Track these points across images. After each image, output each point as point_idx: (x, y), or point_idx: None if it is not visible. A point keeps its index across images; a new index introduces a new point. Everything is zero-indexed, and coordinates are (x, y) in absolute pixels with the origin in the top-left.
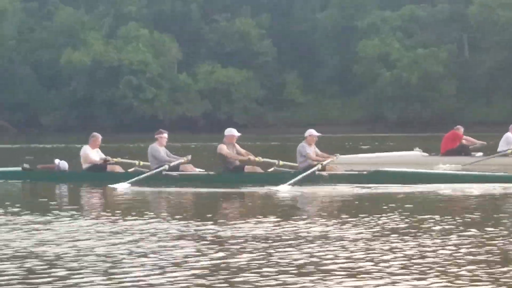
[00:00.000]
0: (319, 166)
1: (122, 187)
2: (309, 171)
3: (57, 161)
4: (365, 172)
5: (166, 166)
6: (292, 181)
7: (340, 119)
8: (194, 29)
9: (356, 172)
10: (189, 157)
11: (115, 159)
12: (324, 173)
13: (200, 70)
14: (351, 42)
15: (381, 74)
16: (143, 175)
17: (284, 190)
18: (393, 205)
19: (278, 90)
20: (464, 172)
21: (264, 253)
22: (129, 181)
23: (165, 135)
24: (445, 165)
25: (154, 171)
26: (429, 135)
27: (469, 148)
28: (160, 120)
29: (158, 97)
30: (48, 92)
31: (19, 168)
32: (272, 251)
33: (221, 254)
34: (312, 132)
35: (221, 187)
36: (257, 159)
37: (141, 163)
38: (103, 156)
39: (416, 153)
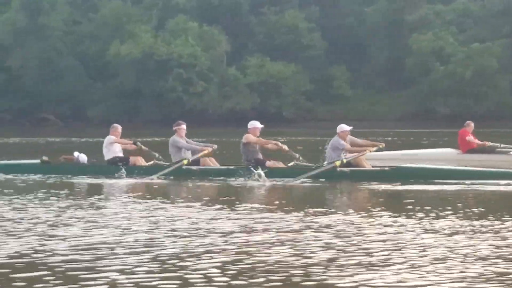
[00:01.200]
0: (337, 163)
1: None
2: (326, 167)
3: (76, 153)
4: (387, 168)
5: (185, 161)
6: (307, 175)
7: (388, 114)
8: (243, 22)
9: (378, 168)
10: (215, 146)
11: (142, 146)
12: (345, 169)
13: (249, 63)
14: (400, 36)
15: (434, 68)
16: (165, 170)
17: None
18: (413, 201)
19: (327, 84)
20: (486, 169)
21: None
22: (153, 176)
23: (184, 126)
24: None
25: (174, 166)
26: (482, 130)
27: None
28: (209, 114)
29: (207, 90)
30: (95, 84)
31: (38, 161)
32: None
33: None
34: (343, 127)
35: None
36: (284, 146)
37: (160, 157)
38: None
39: (450, 150)
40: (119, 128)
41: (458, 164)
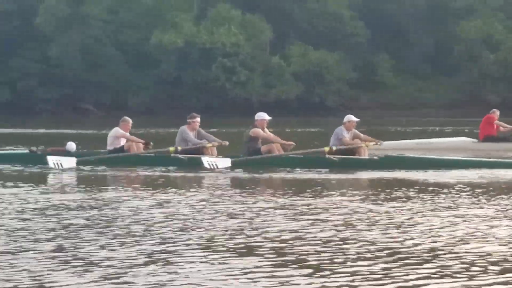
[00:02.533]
0: (326, 149)
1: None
2: (314, 149)
3: (67, 143)
4: (375, 158)
5: (172, 149)
6: (285, 153)
7: (435, 101)
8: (285, 10)
9: (366, 158)
10: (226, 143)
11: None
12: (333, 157)
13: (293, 52)
14: (445, 23)
15: (483, 55)
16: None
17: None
18: (401, 190)
19: (370, 72)
20: (477, 159)
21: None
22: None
23: (198, 119)
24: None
25: (158, 150)
26: None
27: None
28: (253, 103)
29: (251, 79)
30: (135, 73)
31: (26, 151)
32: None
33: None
34: (350, 117)
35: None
36: (288, 143)
37: (178, 148)
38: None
39: (465, 139)
40: (130, 122)
41: (473, 153)
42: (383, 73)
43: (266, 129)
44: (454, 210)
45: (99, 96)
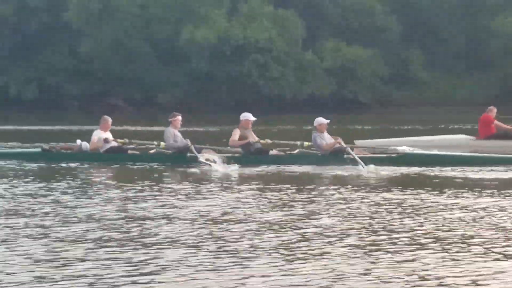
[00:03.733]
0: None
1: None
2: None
3: (78, 141)
4: (394, 155)
5: (163, 144)
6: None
7: (469, 98)
8: (317, 5)
9: (385, 155)
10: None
11: (133, 141)
12: (351, 156)
13: (325, 47)
14: (479, 18)
15: None
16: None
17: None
18: (419, 187)
19: (402, 67)
20: (470, 154)
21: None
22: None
23: (179, 117)
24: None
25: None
26: None
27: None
28: (287, 100)
29: (284, 76)
30: (165, 69)
31: (39, 149)
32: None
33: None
34: (320, 120)
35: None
36: (263, 141)
37: (161, 143)
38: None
39: (462, 136)
40: (109, 120)
41: (471, 150)
42: (416, 68)
43: (251, 131)
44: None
45: (129, 92)
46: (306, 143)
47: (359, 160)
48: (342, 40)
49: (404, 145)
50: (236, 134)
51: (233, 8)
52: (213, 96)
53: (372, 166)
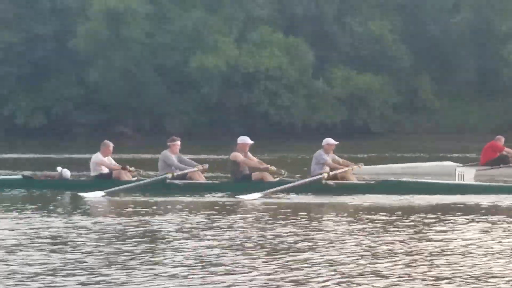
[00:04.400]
0: (325, 175)
1: (95, 195)
2: (315, 178)
3: (59, 168)
4: (372, 182)
5: (169, 175)
6: (292, 185)
7: (480, 126)
8: (327, 33)
9: (364, 182)
10: (206, 166)
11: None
12: (330, 182)
13: (335, 75)
14: (490, 46)
15: None
16: (143, 182)
17: (253, 198)
18: (399, 214)
19: (413, 95)
20: (474, 183)
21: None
22: (110, 190)
23: (178, 142)
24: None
25: (154, 178)
26: None
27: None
28: (297, 128)
29: (295, 103)
30: (174, 97)
31: (20, 176)
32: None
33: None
34: (329, 140)
35: (225, 196)
36: (271, 168)
37: (142, 172)
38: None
39: (449, 163)
40: (110, 146)
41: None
42: (427, 97)
43: (248, 153)
44: (452, 235)
45: (137, 120)
46: (286, 174)
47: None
48: (352, 68)
49: (391, 172)
50: (239, 155)
51: (240, 36)
52: (222, 123)
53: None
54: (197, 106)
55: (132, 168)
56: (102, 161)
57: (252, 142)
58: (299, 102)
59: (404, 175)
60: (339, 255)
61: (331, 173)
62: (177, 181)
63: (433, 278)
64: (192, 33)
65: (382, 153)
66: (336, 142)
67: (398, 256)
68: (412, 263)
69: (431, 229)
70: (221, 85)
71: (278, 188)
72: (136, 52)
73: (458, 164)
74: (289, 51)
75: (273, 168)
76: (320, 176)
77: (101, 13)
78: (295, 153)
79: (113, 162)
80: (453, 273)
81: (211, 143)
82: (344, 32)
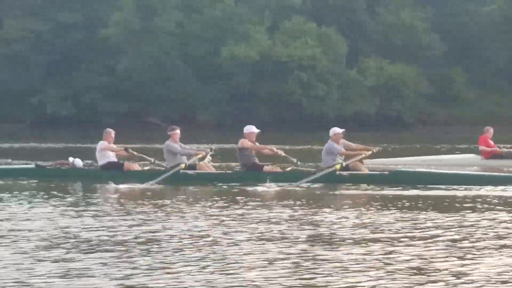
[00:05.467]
0: (338, 167)
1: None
2: (326, 171)
3: (71, 158)
4: (386, 173)
5: (183, 165)
6: (308, 179)
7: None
8: (359, 22)
9: (377, 173)
10: (208, 151)
11: (134, 152)
12: (344, 173)
13: (369, 65)
14: None
15: None
16: (162, 176)
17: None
18: (411, 205)
19: (445, 86)
20: (487, 173)
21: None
22: (149, 182)
23: (178, 131)
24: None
25: (171, 171)
26: None
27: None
28: (330, 118)
29: (328, 94)
30: (204, 87)
31: (33, 165)
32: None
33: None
34: (336, 130)
35: (240, 185)
36: (279, 152)
37: (156, 161)
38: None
39: (472, 156)
40: (112, 133)
41: (479, 170)
42: (459, 87)
43: (256, 142)
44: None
45: (167, 110)
46: (300, 162)
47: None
48: (384, 58)
49: (411, 164)
50: (246, 141)
51: (273, 25)
52: (253, 114)
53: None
54: (228, 96)
55: (130, 150)
56: (108, 146)
57: (258, 130)
58: (333, 93)
59: (426, 167)
60: (354, 244)
61: (344, 163)
62: (190, 172)
63: (452, 267)
64: (223, 23)
65: (414, 144)
66: (342, 130)
67: (414, 246)
68: (430, 252)
69: (446, 218)
70: (252, 75)
71: (294, 184)
72: (167, 42)
73: (482, 157)
74: (322, 40)
75: (282, 152)
76: (333, 169)
77: (132, 2)
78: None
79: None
80: (472, 258)
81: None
82: (375, 21)
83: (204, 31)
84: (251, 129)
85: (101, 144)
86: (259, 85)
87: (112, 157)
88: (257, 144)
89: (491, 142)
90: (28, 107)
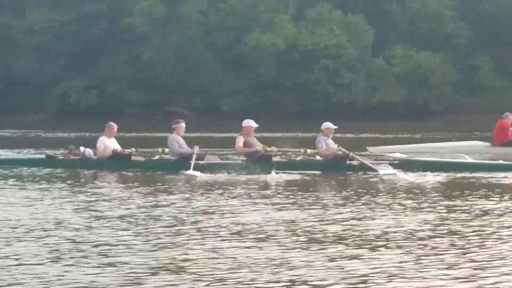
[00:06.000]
0: (350, 155)
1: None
2: (339, 155)
3: (82, 148)
4: (396, 162)
5: (195, 155)
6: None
7: None
8: (385, 10)
9: (387, 162)
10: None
11: (139, 150)
12: (354, 162)
13: (395, 53)
14: None
15: None
16: (191, 167)
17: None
18: (418, 193)
19: (471, 74)
20: (490, 162)
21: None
22: (188, 172)
23: (183, 124)
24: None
25: (193, 158)
26: None
27: None
28: (357, 107)
29: (355, 82)
30: (228, 76)
31: (43, 156)
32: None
33: None
34: (328, 124)
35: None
36: (270, 149)
37: (165, 150)
38: (119, 147)
39: (477, 143)
40: (115, 127)
41: (486, 157)
42: (485, 75)
43: (253, 137)
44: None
45: (191, 100)
46: (309, 150)
47: (369, 164)
48: (410, 46)
49: (413, 151)
50: (240, 141)
51: (298, 13)
52: (279, 103)
53: (274, 174)
54: (253, 85)
55: (133, 149)
56: (105, 145)
57: (256, 125)
58: (359, 81)
59: (431, 155)
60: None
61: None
62: (201, 162)
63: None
64: (248, 11)
65: (440, 133)
66: (335, 127)
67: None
68: (438, 239)
69: (452, 206)
70: (278, 64)
71: (299, 172)
72: (191, 31)
73: (486, 144)
74: (348, 29)
75: (274, 148)
76: (347, 153)
77: None
78: (354, 133)
79: (117, 144)
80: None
81: (266, 122)
82: (402, 9)
83: (228, 19)
84: (250, 123)
85: (101, 141)
86: (285, 74)
87: (115, 146)
88: (254, 139)
89: (511, 129)
90: (52, 98)
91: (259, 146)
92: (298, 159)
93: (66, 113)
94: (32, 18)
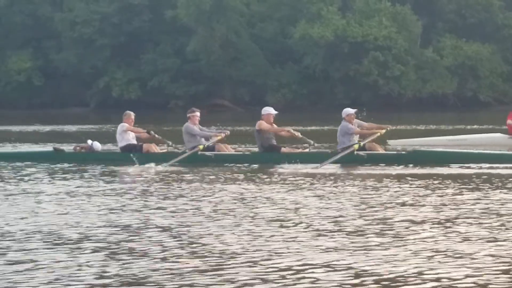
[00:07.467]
0: (355, 147)
1: (158, 168)
2: (346, 151)
3: (89, 141)
4: (403, 152)
5: (201, 147)
6: (330, 160)
7: None
8: (433, 1)
9: (395, 152)
10: (227, 132)
11: (155, 135)
12: (362, 153)
13: (444, 44)
14: None
15: None
16: (180, 157)
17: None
18: (430, 184)
19: None
20: (505, 152)
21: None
22: (169, 163)
23: (197, 113)
24: None
25: (189, 152)
26: None
27: None
28: (407, 99)
29: (405, 74)
30: (274, 68)
31: (51, 149)
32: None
33: None
34: (348, 110)
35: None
36: (296, 133)
37: (173, 144)
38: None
39: (499, 135)
40: (132, 115)
41: (507, 149)
42: None
43: (273, 124)
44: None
45: (236, 92)
46: (316, 145)
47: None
48: (457, 36)
49: (435, 143)
50: (263, 123)
51: (344, 4)
52: (326, 95)
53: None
54: (299, 77)
55: (152, 132)
56: (130, 127)
57: (276, 112)
58: (409, 73)
59: (452, 147)
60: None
61: (362, 142)
62: (208, 153)
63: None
64: (292, 2)
65: (488, 124)
66: (355, 110)
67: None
68: (451, 231)
69: (466, 197)
70: (325, 55)
71: (327, 161)
72: (236, 22)
73: (509, 136)
74: (396, 19)
75: (299, 134)
76: (351, 149)
77: None
78: (406, 124)
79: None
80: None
81: (313, 115)
82: None
83: (274, 11)
84: (269, 110)
85: (122, 126)
86: (333, 65)
87: (132, 139)
88: (274, 126)
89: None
90: (94, 90)
91: (284, 131)
92: (306, 150)
93: (108, 106)
94: (75, 10)
